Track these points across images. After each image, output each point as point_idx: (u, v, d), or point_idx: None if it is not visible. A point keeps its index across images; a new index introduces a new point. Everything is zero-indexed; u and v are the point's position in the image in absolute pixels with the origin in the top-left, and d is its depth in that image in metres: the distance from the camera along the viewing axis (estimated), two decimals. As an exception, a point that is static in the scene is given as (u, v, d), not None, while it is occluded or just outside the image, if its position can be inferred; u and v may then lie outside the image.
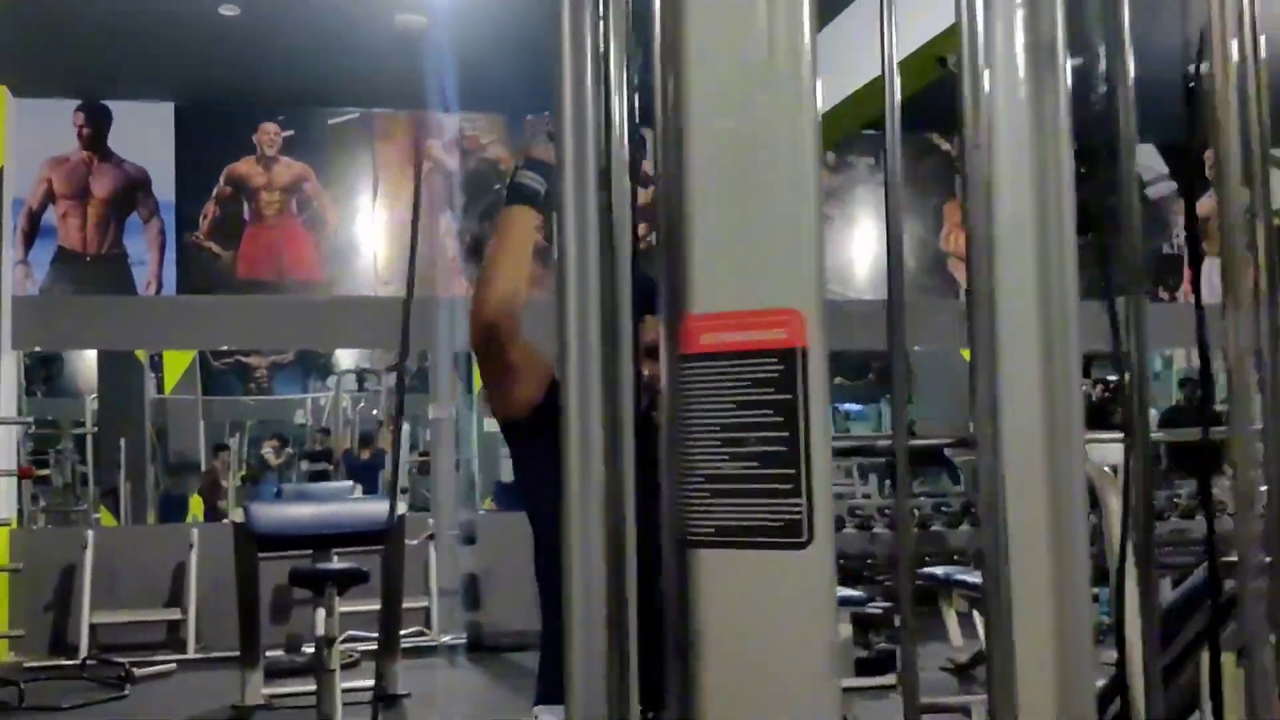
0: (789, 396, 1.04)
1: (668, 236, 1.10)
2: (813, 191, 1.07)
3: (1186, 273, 10.40)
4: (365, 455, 12.87)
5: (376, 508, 6.32)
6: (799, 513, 1.04)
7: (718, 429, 1.07)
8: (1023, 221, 1.14)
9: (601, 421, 1.07)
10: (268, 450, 13.76)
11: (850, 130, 8.08)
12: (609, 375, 1.10)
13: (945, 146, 9.61)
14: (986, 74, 1.12)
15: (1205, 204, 9.20)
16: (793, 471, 1.04)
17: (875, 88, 6.94)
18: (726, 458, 1.06)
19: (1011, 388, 1.09)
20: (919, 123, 8.72)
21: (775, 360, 1.05)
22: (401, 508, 6.32)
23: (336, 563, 6.01)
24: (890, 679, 6.33)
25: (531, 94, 8.27)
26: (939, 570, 7.06)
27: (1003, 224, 1.14)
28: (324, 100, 8.76)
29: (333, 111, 8.87)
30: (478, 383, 9.46)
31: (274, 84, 8.42)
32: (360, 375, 14.21)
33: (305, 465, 13.68)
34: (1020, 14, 1.13)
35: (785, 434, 1.04)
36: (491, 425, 11.09)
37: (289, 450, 13.96)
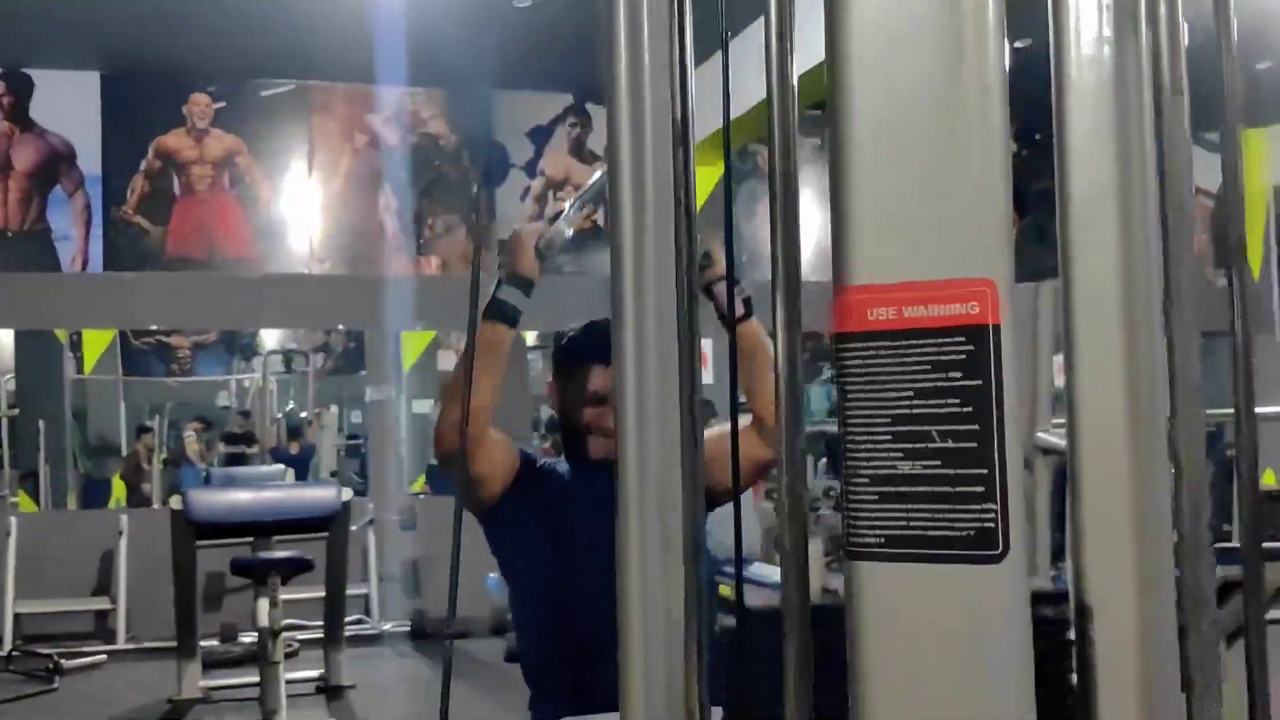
0: (979, 382, 0.89)
1: (832, 200, 0.94)
2: (1000, 147, 0.91)
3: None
4: (294, 449, 12.50)
5: (321, 493, 6.09)
6: (992, 520, 0.88)
7: (888, 421, 0.91)
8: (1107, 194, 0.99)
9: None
10: (190, 434, 13.35)
11: (799, 111, 8.00)
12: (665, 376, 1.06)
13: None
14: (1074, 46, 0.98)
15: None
16: (984, 472, 0.88)
17: (814, 74, 6.97)
18: (900, 455, 0.90)
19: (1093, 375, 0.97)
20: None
21: (963, 339, 0.89)
22: (346, 493, 6.09)
23: (279, 551, 5.79)
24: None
25: (475, 68, 8.04)
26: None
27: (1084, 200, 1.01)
28: (257, 71, 8.45)
29: (266, 83, 8.57)
30: (406, 363, 9.22)
31: (205, 53, 8.09)
32: (288, 356, 13.84)
33: (223, 448, 13.29)
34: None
35: (975, 427, 0.89)
36: (421, 407, 10.87)
37: (213, 433, 13.56)
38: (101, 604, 7.76)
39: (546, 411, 13.41)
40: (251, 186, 8.53)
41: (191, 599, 6.01)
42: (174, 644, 6.39)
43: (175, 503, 5.83)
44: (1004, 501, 0.88)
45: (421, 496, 9.48)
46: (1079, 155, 1.02)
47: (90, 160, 8.25)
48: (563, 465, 2.46)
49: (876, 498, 0.91)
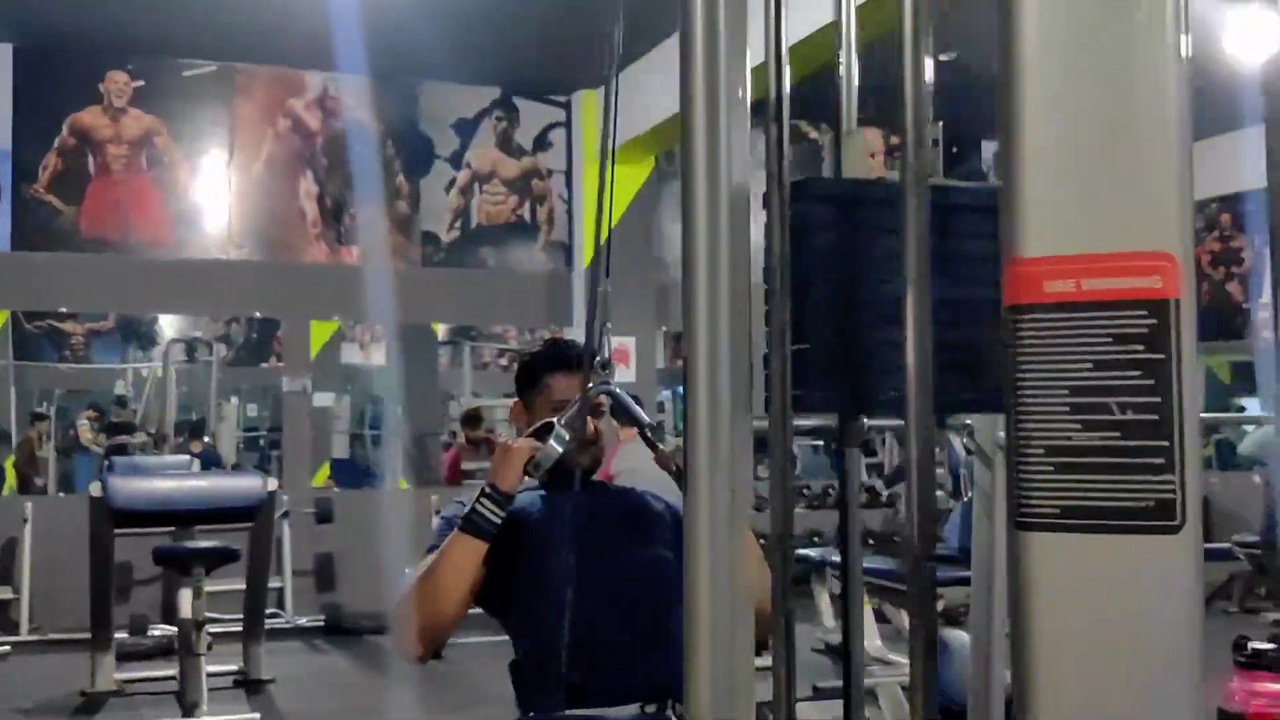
0: (1161, 356, 0.90)
1: (1005, 170, 0.94)
2: (1179, 119, 0.92)
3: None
4: (195, 447, 12.15)
5: (247, 483, 5.95)
6: (1171, 491, 0.89)
7: (1065, 393, 0.92)
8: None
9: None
10: (84, 422, 12.95)
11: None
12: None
13: (814, 135, 9.65)
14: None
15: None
16: (1164, 444, 0.90)
17: (757, 72, 7.06)
18: (1078, 427, 0.91)
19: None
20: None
21: (1144, 313, 0.90)
22: (272, 483, 5.95)
23: (203, 541, 5.65)
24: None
25: (402, 58, 7.95)
26: (813, 552, 7.07)
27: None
28: (178, 50, 8.24)
29: (188, 63, 8.36)
30: (312, 352, 9.04)
31: (124, 29, 7.86)
32: (191, 345, 13.51)
33: (104, 440, 12.88)
34: None
35: (1156, 399, 0.90)
36: (322, 400, 10.68)
37: (108, 421, 13.16)
38: (4, 594, 7.50)
39: (456, 408, 13.31)
40: (169, 168, 8.31)
41: (108, 589, 5.83)
42: (80, 635, 6.19)
43: (95, 489, 5.64)
44: (1183, 474, 0.90)
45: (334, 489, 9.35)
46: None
47: (0, 135, 7.97)
48: (526, 496, 2.39)
49: (1051, 469, 0.92)
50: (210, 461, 11.04)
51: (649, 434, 2.30)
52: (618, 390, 2.34)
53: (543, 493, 2.41)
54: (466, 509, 2.23)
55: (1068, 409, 0.92)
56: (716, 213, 1.15)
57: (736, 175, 1.13)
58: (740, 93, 1.15)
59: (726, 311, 1.12)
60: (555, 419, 2.26)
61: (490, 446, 10.34)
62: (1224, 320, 10.39)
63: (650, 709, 2.20)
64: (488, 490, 2.23)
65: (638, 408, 2.35)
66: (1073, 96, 0.93)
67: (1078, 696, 0.91)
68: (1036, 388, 0.93)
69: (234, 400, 13.20)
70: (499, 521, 2.21)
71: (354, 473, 12.34)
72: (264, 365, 13.90)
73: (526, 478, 2.24)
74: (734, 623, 1.13)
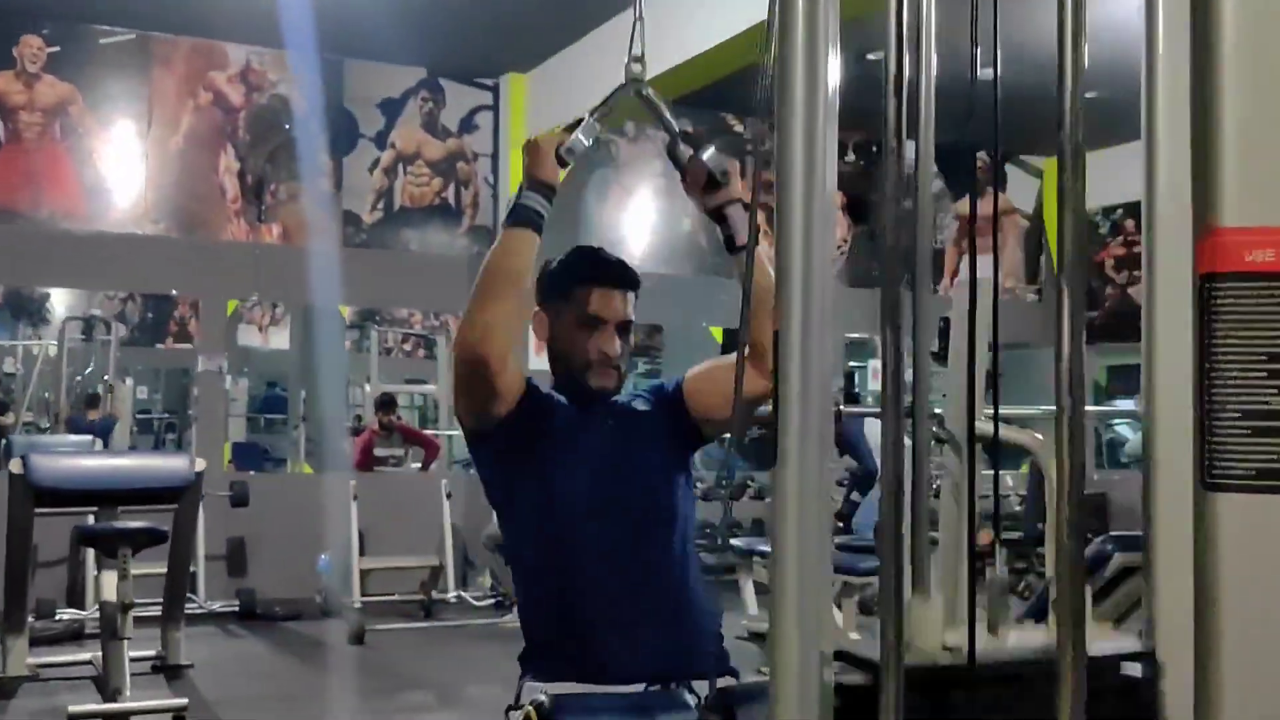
0: (1360, 324, 0.92)
1: (1201, 141, 0.96)
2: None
3: (948, 266, 10.92)
4: (94, 416, 11.83)
5: (174, 463, 5.81)
6: (1370, 456, 0.92)
7: (1264, 359, 0.94)
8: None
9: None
10: (-29, 401, 12.48)
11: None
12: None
13: (739, 128, 9.70)
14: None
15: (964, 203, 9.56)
16: (1363, 409, 0.92)
17: (695, 63, 7.14)
18: (1274, 392, 0.93)
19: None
20: (713, 101, 8.72)
21: (1345, 282, 0.93)
22: (200, 464, 5.81)
23: (128, 521, 5.48)
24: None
25: (328, 33, 7.80)
26: (739, 541, 7.14)
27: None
28: (96, 17, 7.99)
29: (105, 30, 8.11)
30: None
31: (40, -8, 7.62)
32: (88, 322, 13.10)
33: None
34: None
35: (1355, 366, 0.92)
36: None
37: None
38: (-100, 575, 7.19)
39: (360, 394, 13.11)
40: (84, 138, 8.06)
41: (25, 570, 5.65)
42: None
43: (15, 466, 5.45)
44: (1382, 438, 0.92)
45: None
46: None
47: (-96, 98, 7.66)
48: (562, 398, 2.31)
49: (1247, 431, 0.94)
50: (108, 429, 10.75)
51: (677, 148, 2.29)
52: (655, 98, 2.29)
53: (565, 401, 2.30)
54: (511, 207, 2.19)
55: (1265, 374, 0.94)
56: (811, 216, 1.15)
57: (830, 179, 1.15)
58: (833, 98, 1.16)
59: (819, 322, 1.13)
60: (588, 113, 2.23)
61: (403, 432, 10.22)
62: (1128, 322, 10.69)
63: (654, 687, 2.17)
64: (527, 184, 2.19)
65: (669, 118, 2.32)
66: (1273, 68, 0.95)
67: (1267, 653, 0.93)
68: (1233, 353, 0.95)
69: (128, 381, 12.85)
70: (544, 212, 2.16)
71: (255, 456, 12.11)
72: (160, 346, 13.58)
73: (560, 166, 2.19)
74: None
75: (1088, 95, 1.11)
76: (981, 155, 9.68)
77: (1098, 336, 9.98)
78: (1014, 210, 11.35)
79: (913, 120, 1.30)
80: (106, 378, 11.96)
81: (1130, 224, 10.87)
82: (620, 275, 2.31)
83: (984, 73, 1.28)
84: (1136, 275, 11.22)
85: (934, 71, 1.35)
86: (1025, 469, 9.39)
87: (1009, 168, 11.13)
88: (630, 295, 2.30)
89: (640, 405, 2.37)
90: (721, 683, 2.18)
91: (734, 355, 2.29)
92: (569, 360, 2.28)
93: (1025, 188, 11.33)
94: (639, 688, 2.16)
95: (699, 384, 2.36)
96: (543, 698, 2.10)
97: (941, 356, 4.33)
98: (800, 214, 1.14)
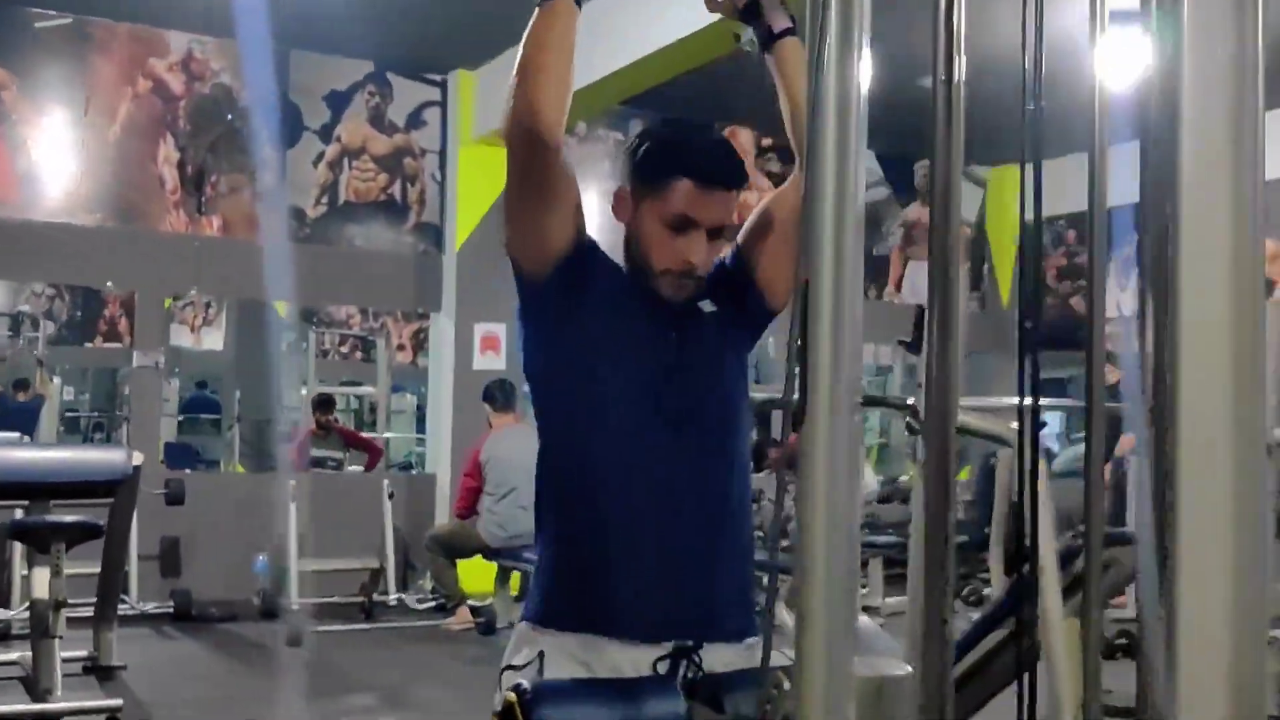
0: None
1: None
2: None
3: (893, 273, 10.95)
4: (23, 397, 11.52)
5: (111, 456, 5.60)
6: None
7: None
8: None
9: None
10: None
11: (608, 103, 8.01)
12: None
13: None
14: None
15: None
16: None
17: (642, 66, 7.07)
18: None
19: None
20: (658, 103, 8.65)
21: None
22: (138, 457, 5.61)
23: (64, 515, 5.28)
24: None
25: (273, 22, 7.61)
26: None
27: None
28: (30, -1, 7.76)
29: (40, 13, 7.85)
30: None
31: (-27, -27, 7.37)
32: (15, 319, 12.73)
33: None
34: None
35: None
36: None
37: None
38: None
39: (295, 396, 12.88)
40: (18, 125, 7.80)
41: (-50, 566, 5.42)
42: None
43: (-58, 457, 5.24)
44: None
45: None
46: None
47: None
48: (623, 269, 2.05)
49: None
50: (37, 408, 10.44)
51: None
52: None
53: (626, 274, 2.06)
54: None
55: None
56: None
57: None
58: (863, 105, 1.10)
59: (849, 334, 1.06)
60: None
61: (343, 434, 10.03)
62: (1070, 332, 10.77)
63: (664, 660, 2.02)
64: None
65: None
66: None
67: None
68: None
69: (55, 380, 12.54)
70: None
71: (186, 457, 11.86)
72: (89, 345, 13.25)
73: None
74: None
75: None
76: (922, 165, 9.74)
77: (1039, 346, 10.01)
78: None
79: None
80: (36, 353, 11.66)
81: (1072, 235, 10.96)
82: (724, 172, 2.00)
83: (924, 81, 1.23)
84: (1079, 285, 11.34)
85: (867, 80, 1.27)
86: (965, 474, 9.42)
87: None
88: (733, 196, 2.01)
89: (707, 307, 2.08)
90: (713, 664, 2.06)
91: (780, 188, 2.17)
92: (645, 260, 2.02)
93: (968, 197, 11.40)
94: (652, 651, 2.00)
95: (752, 235, 2.11)
96: (525, 684, 1.98)
97: (915, 346, 4.29)
98: (831, 227, 1.06)
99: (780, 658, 2.14)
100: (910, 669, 1.20)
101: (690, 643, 1.98)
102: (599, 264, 2.05)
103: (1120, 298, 10.85)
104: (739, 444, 2.09)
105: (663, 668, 1.99)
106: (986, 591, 6.89)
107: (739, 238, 2.15)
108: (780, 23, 2.08)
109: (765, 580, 6.83)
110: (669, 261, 1.99)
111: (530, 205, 1.98)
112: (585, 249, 2.03)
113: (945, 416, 1.23)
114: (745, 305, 2.11)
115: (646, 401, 2.00)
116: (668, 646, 1.98)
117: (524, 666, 2.00)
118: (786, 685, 1.54)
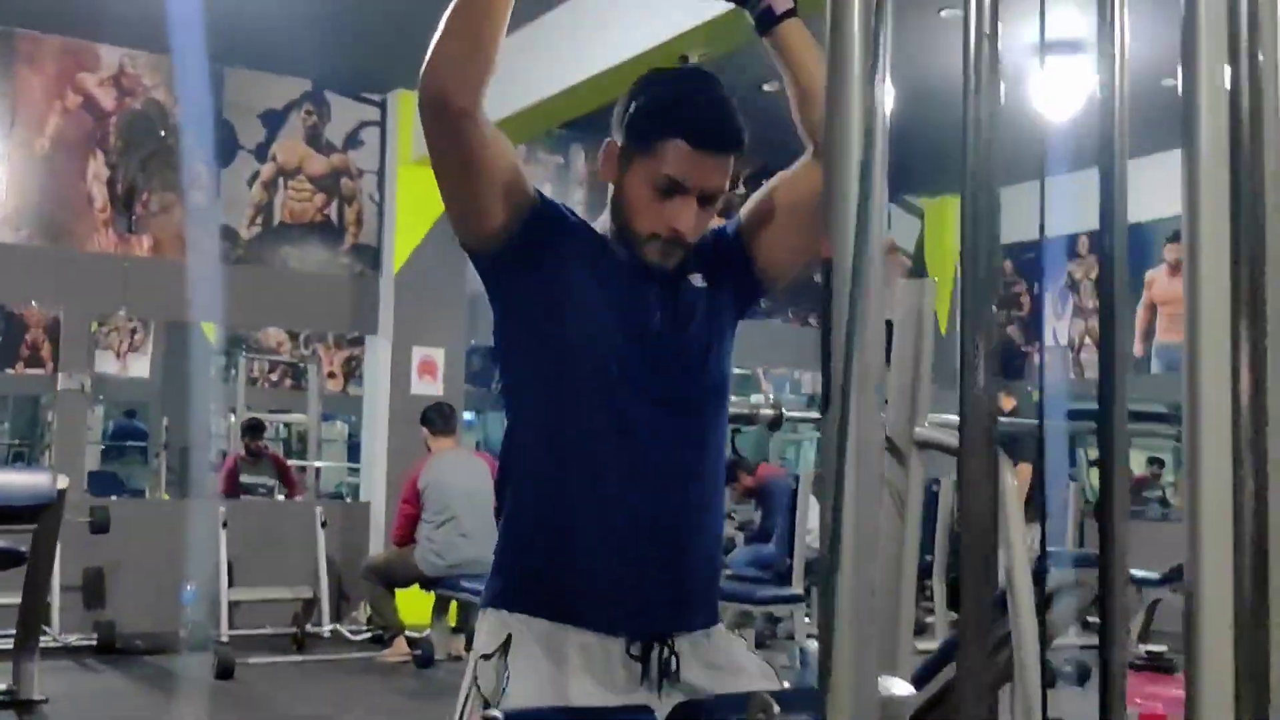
0: None
1: None
2: None
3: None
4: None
5: (34, 479, 5.34)
6: None
7: None
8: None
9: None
10: None
11: (547, 126, 7.93)
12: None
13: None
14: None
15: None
16: None
17: (581, 88, 6.99)
18: None
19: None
20: (601, 127, 8.59)
21: None
22: (63, 480, 5.39)
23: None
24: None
25: (208, 39, 7.44)
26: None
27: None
28: (-45, 10, 7.52)
29: (-36, 24, 7.63)
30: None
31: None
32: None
33: None
34: None
35: None
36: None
37: None
38: None
39: (223, 423, 12.58)
40: (-61, 138, 7.55)
41: None
42: None
43: None
44: None
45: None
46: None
47: None
48: (593, 228, 1.94)
49: None
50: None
51: None
52: None
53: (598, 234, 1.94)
54: None
55: None
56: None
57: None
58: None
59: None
60: None
61: (274, 460, 9.80)
62: (1005, 361, 10.84)
63: (635, 645, 1.88)
64: None
65: None
66: None
67: None
68: None
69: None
70: None
71: (110, 486, 11.55)
72: (10, 371, 12.87)
73: None
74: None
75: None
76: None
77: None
78: (896, 248, 11.45)
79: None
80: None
81: (1008, 265, 11.04)
82: (719, 135, 1.88)
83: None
84: (1014, 315, 11.44)
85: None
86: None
87: (890, 206, 11.23)
88: (729, 160, 1.88)
89: (698, 282, 1.96)
90: (685, 697, 1.97)
91: (788, 170, 2.05)
92: (629, 223, 1.89)
93: (906, 227, 11.44)
94: (620, 641, 1.86)
95: (757, 214, 2.00)
96: (496, 713, 1.86)
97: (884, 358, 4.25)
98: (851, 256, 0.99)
99: (761, 682, 2.06)
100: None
101: (662, 632, 1.90)
102: (564, 228, 1.93)
103: (1056, 326, 10.98)
104: (719, 423, 1.99)
105: (635, 650, 1.89)
106: (929, 620, 6.83)
107: (741, 214, 2.04)
108: (783, 4, 1.98)
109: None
110: (655, 226, 1.87)
111: (456, 179, 1.84)
112: (540, 215, 1.90)
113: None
114: (741, 283, 2.02)
115: (623, 372, 1.89)
116: (639, 637, 1.89)
117: (493, 655, 1.87)
118: (776, 710, 1.45)
